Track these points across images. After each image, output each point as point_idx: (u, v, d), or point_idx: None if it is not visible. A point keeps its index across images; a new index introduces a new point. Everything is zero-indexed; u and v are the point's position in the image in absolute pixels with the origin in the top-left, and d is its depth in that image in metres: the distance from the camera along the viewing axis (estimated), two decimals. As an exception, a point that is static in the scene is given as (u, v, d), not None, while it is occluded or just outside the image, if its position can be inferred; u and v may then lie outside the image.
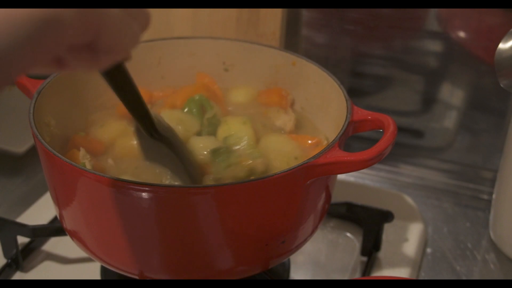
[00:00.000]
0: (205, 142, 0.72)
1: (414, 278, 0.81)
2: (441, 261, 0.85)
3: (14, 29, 0.39)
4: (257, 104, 0.83)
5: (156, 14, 0.98)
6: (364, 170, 1.01)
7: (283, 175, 0.60)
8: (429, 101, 1.04)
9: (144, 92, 0.79)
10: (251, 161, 0.69)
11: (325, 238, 0.87)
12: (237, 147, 0.72)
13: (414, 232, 0.87)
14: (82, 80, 0.77)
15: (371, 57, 1.03)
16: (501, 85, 0.73)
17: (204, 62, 0.85)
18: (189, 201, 0.59)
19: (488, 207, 0.91)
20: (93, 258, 0.69)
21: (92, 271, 0.79)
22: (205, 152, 0.71)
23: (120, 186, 0.59)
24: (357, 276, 0.81)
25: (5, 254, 0.80)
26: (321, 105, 0.78)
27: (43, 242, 0.84)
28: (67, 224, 0.69)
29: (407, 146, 1.06)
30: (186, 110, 0.77)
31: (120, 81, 0.55)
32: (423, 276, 0.83)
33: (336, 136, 0.65)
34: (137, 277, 0.67)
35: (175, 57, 0.84)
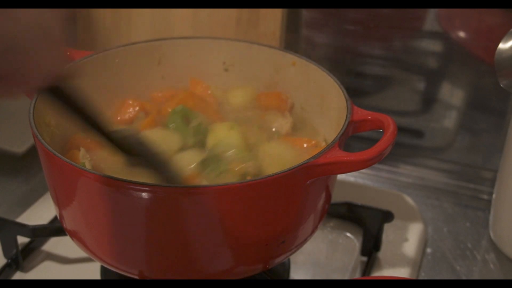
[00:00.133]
0: (190, 156, 0.71)
1: (414, 278, 0.81)
2: (441, 261, 0.85)
3: None
4: (256, 106, 0.82)
5: (156, 14, 0.98)
6: (364, 170, 1.01)
7: (283, 175, 0.60)
8: (429, 101, 1.04)
9: (136, 101, 0.78)
10: (242, 165, 0.68)
11: (325, 238, 0.87)
12: (227, 153, 0.71)
13: (414, 232, 0.87)
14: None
15: (371, 57, 1.03)
16: (501, 85, 0.73)
17: (204, 62, 0.84)
18: (189, 201, 0.59)
19: (488, 207, 0.91)
20: (93, 258, 0.69)
21: (92, 271, 0.79)
22: (192, 166, 0.69)
23: (120, 186, 0.59)
24: (357, 276, 0.81)
25: (5, 254, 0.80)
26: (321, 105, 0.78)
27: (43, 242, 0.83)
28: (67, 224, 0.69)
29: (407, 146, 1.05)
30: (171, 125, 0.75)
31: (60, 101, 0.52)
32: (423, 276, 0.83)
33: (336, 136, 0.65)
34: (137, 277, 0.67)
35: (175, 57, 0.84)
